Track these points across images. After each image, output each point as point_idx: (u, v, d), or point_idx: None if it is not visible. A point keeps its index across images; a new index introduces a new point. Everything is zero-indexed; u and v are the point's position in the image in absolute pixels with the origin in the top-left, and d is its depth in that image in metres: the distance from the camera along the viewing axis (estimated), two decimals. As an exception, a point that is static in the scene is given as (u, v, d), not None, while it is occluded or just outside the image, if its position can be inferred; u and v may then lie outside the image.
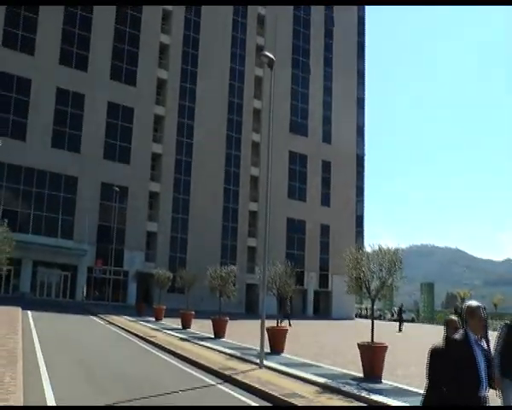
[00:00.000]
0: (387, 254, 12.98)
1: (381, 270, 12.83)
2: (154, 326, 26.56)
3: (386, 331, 33.92)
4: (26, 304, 34.64)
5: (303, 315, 57.96)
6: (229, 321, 23.52)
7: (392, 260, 12.87)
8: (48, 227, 47.84)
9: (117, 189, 45.99)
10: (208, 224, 55.39)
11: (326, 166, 66.03)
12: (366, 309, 75.19)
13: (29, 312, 29.50)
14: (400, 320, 41.65)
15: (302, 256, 61.60)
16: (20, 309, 28.47)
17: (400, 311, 43.87)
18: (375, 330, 13.50)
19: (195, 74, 58.04)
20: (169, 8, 57.51)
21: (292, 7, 66.26)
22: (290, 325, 32.26)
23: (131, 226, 51.51)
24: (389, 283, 12.96)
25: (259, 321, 14.76)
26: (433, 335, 27.73)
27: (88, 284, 48.63)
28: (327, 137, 66.91)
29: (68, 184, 49.23)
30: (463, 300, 76.38)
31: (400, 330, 39.47)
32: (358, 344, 13.35)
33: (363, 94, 72.90)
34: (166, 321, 30.75)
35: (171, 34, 57.56)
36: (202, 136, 56.82)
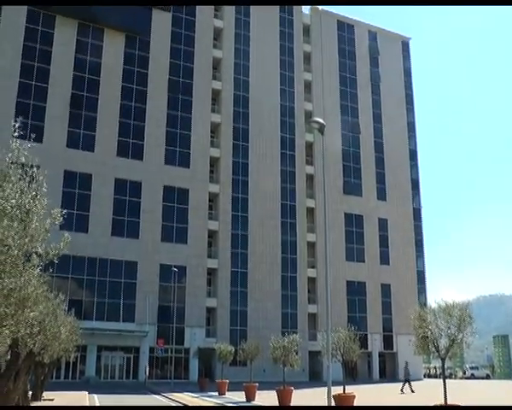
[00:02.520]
0: (455, 309, 11.96)
1: (449, 327, 11.83)
2: (217, 401, 25.68)
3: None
4: (92, 388, 34.52)
5: (369, 379, 55.23)
6: (294, 390, 22.49)
7: (460, 316, 11.82)
8: (110, 312, 48.34)
9: (175, 269, 46.45)
10: (267, 294, 54.38)
11: (383, 225, 63.81)
12: (435, 368, 71.09)
13: (95, 395, 29.25)
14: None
15: (364, 318, 59.08)
16: (86, 393, 28.30)
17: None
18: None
19: (247, 148, 58.72)
20: (218, 86, 58.88)
21: (337, 65, 66.19)
22: (412, 390, 30.48)
23: (191, 304, 51.11)
24: (459, 339, 11.91)
25: (324, 388, 13.83)
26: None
27: (150, 364, 48.16)
28: (382, 195, 64.86)
29: (128, 269, 49.93)
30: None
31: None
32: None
33: (415, 146, 70.39)
34: (230, 395, 29.76)
35: (221, 112, 58.56)
36: (257, 208, 56.69)
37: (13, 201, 8.58)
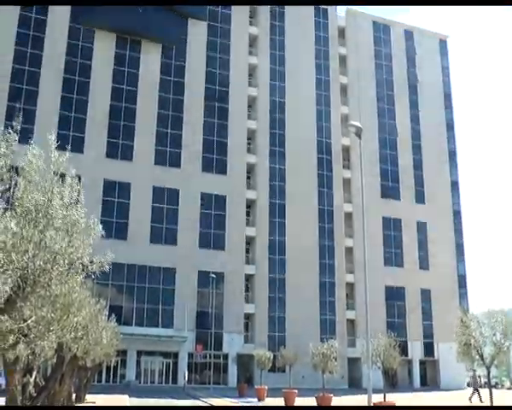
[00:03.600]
0: (500, 315, 11.65)
1: (494, 334, 11.55)
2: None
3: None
4: (132, 392, 35.09)
5: (409, 387, 54.24)
6: (333, 397, 22.30)
7: (507, 322, 11.52)
8: (149, 318, 49.42)
9: (213, 276, 46.95)
10: (305, 300, 54.18)
11: (421, 228, 62.73)
12: (480, 377, 69.40)
13: (135, 399, 29.67)
14: None
15: (404, 325, 58.15)
16: (127, 397, 28.77)
17: None
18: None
19: (283, 154, 58.76)
20: (254, 93, 59.38)
21: (373, 67, 65.78)
22: (481, 400, 29.39)
23: (229, 310, 51.52)
24: (506, 347, 11.59)
25: (363, 396, 13.72)
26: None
27: (189, 369, 48.90)
28: (420, 198, 63.87)
29: (167, 275, 50.72)
30: None
31: None
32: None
33: (455, 147, 69.02)
34: (269, 401, 29.74)
35: (257, 119, 59.03)
36: (294, 214, 56.63)
37: (59, 212, 8.88)
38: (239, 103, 58.11)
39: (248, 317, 53.70)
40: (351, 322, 56.83)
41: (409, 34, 69.52)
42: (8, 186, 8.55)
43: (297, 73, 61.22)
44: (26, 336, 8.56)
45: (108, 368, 45.61)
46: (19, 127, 8.79)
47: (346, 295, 57.56)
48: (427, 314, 60.18)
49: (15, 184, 8.71)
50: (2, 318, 7.70)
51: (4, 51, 50.22)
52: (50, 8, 52.89)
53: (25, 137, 9.03)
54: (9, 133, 8.56)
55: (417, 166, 65.00)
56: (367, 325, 14.86)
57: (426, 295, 60.84)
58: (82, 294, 11.90)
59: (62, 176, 9.43)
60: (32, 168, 8.97)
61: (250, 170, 57.94)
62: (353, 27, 66.67)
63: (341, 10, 67.66)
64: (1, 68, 49.77)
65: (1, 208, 7.95)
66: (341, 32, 66.31)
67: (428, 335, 59.91)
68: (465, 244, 66.31)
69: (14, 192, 8.70)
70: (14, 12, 51.52)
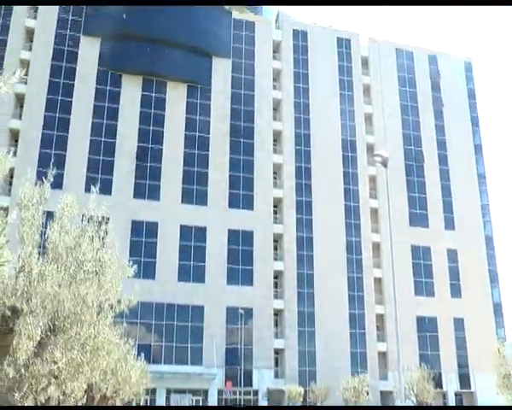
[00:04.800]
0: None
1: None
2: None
3: None
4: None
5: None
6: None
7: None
8: (178, 356, 50.26)
9: (242, 311, 47.31)
10: (335, 333, 54.14)
11: (452, 255, 62.11)
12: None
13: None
14: None
15: (437, 356, 57.34)
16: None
17: None
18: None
19: (310, 186, 59.45)
20: (279, 127, 60.65)
21: (398, 94, 66.24)
22: None
23: (258, 345, 51.99)
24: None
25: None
26: None
27: (219, 406, 49.28)
28: (450, 224, 63.42)
29: (195, 313, 51.59)
30: None
31: None
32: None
33: (484, 170, 68.53)
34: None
35: (282, 153, 60.13)
36: (322, 246, 57.02)
37: (89, 255, 9.62)
38: (264, 138, 59.35)
39: (278, 352, 53.91)
40: (382, 354, 56.35)
41: (432, 58, 69.92)
42: (42, 232, 9.34)
43: (321, 105, 62.25)
44: (56, 377, 9.19)
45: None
46: (52, 179, 9.62)
47: (377, 327, 57.19)
48: (461, 344, 59.20)
49: (47, 229, 9.48)
50: (35, 360, 8.36)
51: (38, 100, 52.80)
52: (80, 56, 55.35)
53: (56, 181, 9.73)
54: (42, 181, 9.40)
55: (445, 191, 64.71)
56: (399, 357, 14.91)
57: (459, 324, 59.87)
58: (111, 335, 12.54)
59: (91, 218, 10.18)
60: (65, 215, 9.77)
61: (277, 204, 58.58)
62: (376, 55, 67.53)
63: (364, 39, 68.50)
64: (35, 117, 52.66)
65: (35, 253, 8.70)
66: (365, 61, 67.02)
67: (464, 365, 58.80)
68: (499, 270, 65.14)
69: (47, 237, 9.49)
70: (46, 61, 54.28)
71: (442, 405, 57.68)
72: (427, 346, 57.68)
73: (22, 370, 8.56)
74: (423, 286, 60.13)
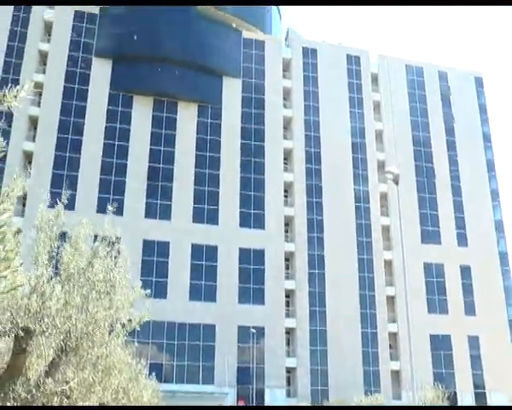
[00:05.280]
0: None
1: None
2: None
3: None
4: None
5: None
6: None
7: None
8: (190, 375, 50.36)
9: (253, 330, 47.26)
10: (347, 351, 53.90)
11: (465, 272, 61.63)
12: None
13: None
14: None
15: (451, 375, 56.76)
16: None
17: None
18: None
19: (321, 204, 59.50)
20: (289, 145, 61.01)
21: (408, 111, 66.38)
22: None
23: (270, 364, 51.94)
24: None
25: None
26: None
27: (232, 426, 48.90)
28: (462, 241, 63.06)
29: (206, 331, 51.67)
30: None
31: None
32: None
33: (496, 185, 68.26)
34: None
35: (293, 171, 60.43)
36: (333, 265, 56.97)
37: (100, 275, 9.80)
38: (275, 157, 59.68)
39: (290, 371, 53.73)
40: (395, 373, 55.89)
41: (442, 74, 70.11)
42: (55, 253, 9.53)
43: (331, 123, 62.53)
44: (68, 397, 9.31)
45: (151, 427, 45.81)
46: (66, 201, 9.82)
47: (390, 345, 56.70)
48: (476, 363, 58.53)
49: (60, 249, 9.66)
50: (47, 380, 8.49)
51: (51, 122, 53.71)
52: (92, 77, 56.29)
53: (68, 201, 9.93)
54: (56, 203, 9.60)
55: (458, 208, 64.43)
56: (412, 375, 14.81)
57: (474, 342, 59.26)
58: (123, 354, 12.65)
59: (105, 239, 10.38)
60: (79, 237, 9.98)
61: (288, 222, 58.65)
62: (386, 71, 67.83)
63: (374, 56, 69.14)
64: (48, 139, 53.70)
65: (46, 274, 8.88)
66: (374, 78, 67.36)
67: (479, 384, 58.08)
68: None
69: (60, 257, 9.68)
70: (59, 84, 55.33)
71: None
72: (441, 364, 57.09)
73: (34, 390, 8.69)
74: (436, 304, 59.66)
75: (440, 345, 58.07)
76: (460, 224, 63.94)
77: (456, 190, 65.31)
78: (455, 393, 54.23)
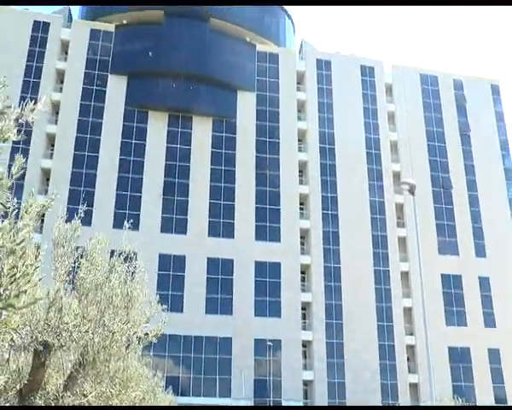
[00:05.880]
0: None
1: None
2: None
3: None
4: None
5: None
6: None
7: None
8: (207, 388, 50.53)
9: (270, 343, 47.26)
10: (364, 364, 53.70)
11: (484, 283, 60.92)
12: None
13: None
14: None
15: (471, 388, 56.04)
16: None
17: None
18: None
19: (336, 216, 59.46)
20: (304, 157, 61.22)
21: (423, 120, 65.98)
22: None
23: (287, 377, 51.96)
24: None
25: None
26: None
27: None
28: (481, 251, 62.43)
29: (223, 344, 51.81)
30: None
31: None
32: None
33: (514, 194, 67.71)
34: None
35: (308, 183, 60.56)
36: (349, 276, 56.84)
37: (117, 290, 10.00)
38: (290, 169, 59.90)
39: (307, 384, 53.58)
40: (414, 386, 55.35)
41: (458, 83, 69.74)
42: (71, 268, 9.76)
43: (346, 134, 62.58)
44: (86, 410, 9.47)
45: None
46: (82, 215, 10.08)
47: (407, 358, 56.14)
48: (497, 376, 57.58)
49: (78, 264, 9.91)
50: (65, 394, 8.68)
51: (68, 139, 54.64)
52: (108, 94, 57.19)
53: (85, 217, 10.15)
54: (74, 218, 9.85)
55: (475, 218, 63.87)
56: (431, 388, 14.74)
57: (494, 355, 58.46)
58: (140, 368, 12.83)
59: (121, 254, 10.61)
60: (96, 252, 10.20)
61: (303, 235, 58.63)
62: (400, 82, 67.77)
63: (388, 65, 69.15)
64: (65, 156, 54.85)
65: (63, 289, 9.09)
66: (388, 88, 67.37)
67: (501, 398, 56.97)
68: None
69: (77, 272, 9.92)
70: (75, 101, 56.28)
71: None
72: (460, 377, 56.41)
73: (53, 403, 8.87)
74: (455, 316, 59.06)
75: (459, 358, 57.41)
76: (478, 234, 63.34)
77: (474, 200, 64.77)
78: (474, 406, 53.53)
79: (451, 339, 57.25)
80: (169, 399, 28.20)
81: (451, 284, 60.23)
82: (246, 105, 61.30)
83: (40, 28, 59.14)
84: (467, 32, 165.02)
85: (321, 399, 52.42)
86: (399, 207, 62.29)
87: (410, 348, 56.90)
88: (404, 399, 53.13)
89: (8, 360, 8.47)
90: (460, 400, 40.06)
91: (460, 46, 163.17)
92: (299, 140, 62.51)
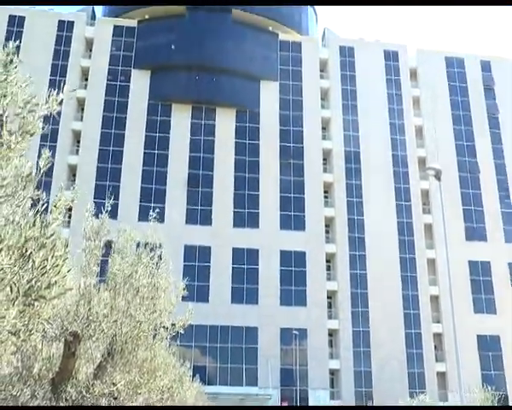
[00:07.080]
0: None
1: None
2: None
3: None
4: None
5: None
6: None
7: None
8: (233, 377, 51.03)
9: (296, 332, 47.45)
10: (391, 353, 53.54)
11: (515, 270, 60.20)
12: None
13: None
14: None
15: (501, 376, 55.19)
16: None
17: None
18: None
19: (361, 204, 59.22)
20: (328, 146, 60.86)
21: (449, 104, 64.83)
22: None
23: (313, 366, 52.21)
24: None
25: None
26: None
27: (275, 427, 49.41)
28: (510, 237, 61.27)
29: (249, 334, 52.31)
30: None
31: None
32: None
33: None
34: None
35: (333, 171, 60.42)
36: (375, 264, 56.64)
37: (144, 281, 10.25)
38: (314, 158, 59.76)
39: (333, 372, 53.68)
40: (441, 375, 55.03)
41: (485, 64, 68.23)
42: (100, 260, 10.03)
43: (370, 121, 62.08)
44: (116, 398, 9.75)
45: (195, 428, 46.45)
46: (109, 208, 10.35)
47: (435, 346, 55.70)
48: (528, 363, 56.49)
49: (105, 257, 10.16)
50: (95, 382, 8.94)
51: (93, 135, 55.49)
52: (131, 89, 57.80)
53: (111, 211, 10.36)
54: (101, 212, 10.11)
55: (504, 202, 62.64)
56: (459, 377, 14.63)
57: (525, 342, 57.31)
58: (167, 357, 13.09)
59: (147, 246, 10.85)
60: (124, 245, 10.44)
61: (328, 223, 58.51)
62: (425, 66, 66.76)
63: (412, 50, 68.22)
64: (90, 152, 56.00)
65: (92, 281, 9.36)
66: (413, 72, 66.45)
67: (533, 386, 56.05)
68: None
69: (106, 265, 10.17)
70: (99, 97, 57.11)
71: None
72: (489, 366, 55.70)
73: (84, 391, 9.15)
74: (483, 303, 58.31)
75: (488, 346, 56.72)
76: (507, 219, 62.23)
77: (502, 185, 63.60)
78: (505, 396, 52.61)
79: (480, 327, 56.55)
80: (196, 387, 28.62)
81: (480, 271, 59.43)
82: (269, 95, 61.26)
83: (65, 27, 60.09)
84: (492, 13, 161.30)
85: (347, 388, 52.55)
86: (425, 194, 61.64)
87: (438, 337, 56.50)
88: (432, 388, 52.72)
89: (41, 350, 8.76)
90: (489, 388, 39.66)
91: (485, 27, 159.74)
92: (322, 128, 62.26)
